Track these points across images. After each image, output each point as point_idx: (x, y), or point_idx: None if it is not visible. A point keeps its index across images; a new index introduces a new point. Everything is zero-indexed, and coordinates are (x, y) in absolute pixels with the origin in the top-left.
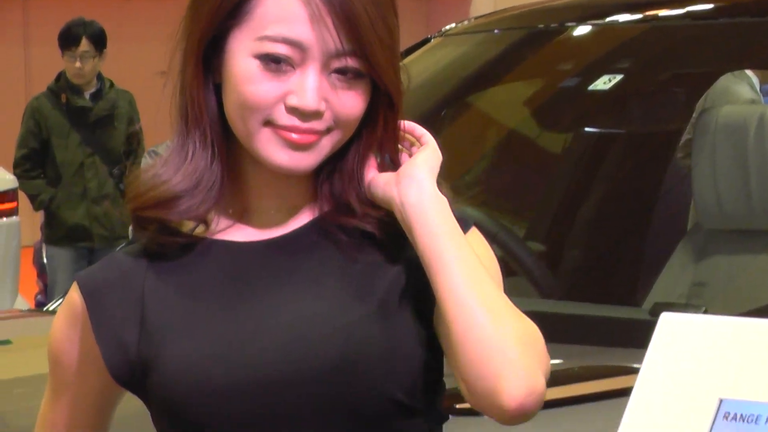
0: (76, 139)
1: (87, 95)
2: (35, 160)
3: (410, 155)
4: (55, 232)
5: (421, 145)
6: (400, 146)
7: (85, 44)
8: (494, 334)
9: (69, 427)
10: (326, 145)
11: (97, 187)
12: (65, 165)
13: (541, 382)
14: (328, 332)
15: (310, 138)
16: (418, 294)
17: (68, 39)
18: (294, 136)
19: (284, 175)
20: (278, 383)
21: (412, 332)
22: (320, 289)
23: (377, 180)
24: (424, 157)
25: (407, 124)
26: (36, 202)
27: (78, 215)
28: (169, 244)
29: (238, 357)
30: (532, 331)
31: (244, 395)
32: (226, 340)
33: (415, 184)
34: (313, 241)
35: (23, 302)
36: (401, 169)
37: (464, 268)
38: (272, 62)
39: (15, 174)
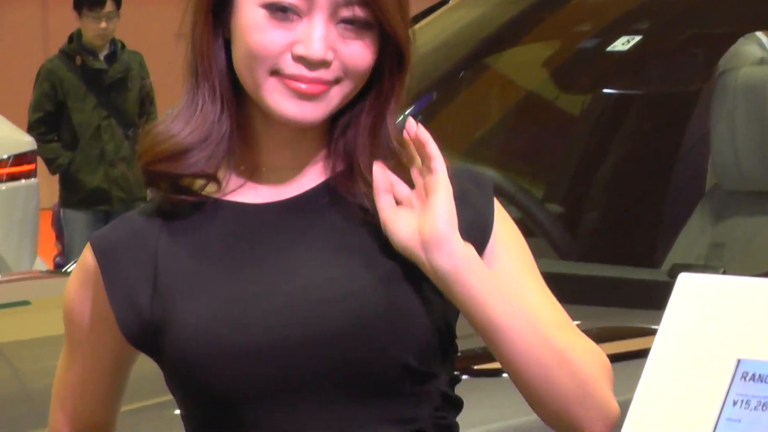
0: (92, 102)
1: (101, 57)
2: (50, 124)
3: (420, 172)
4: (74, 195)
5: (430, 170)
6: (408, 164)
7: (109, 5)
8: (569, 383)
9: (85, 387)
10: (335, 96)
11: (114, 149)
12: (82, 128)
13: (615, 407)
14: (339, 296)
15: (318, 88)
16: None
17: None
18: (302, 86)
19: (295, 131)
20: (288, 347)
21: (422, 297)
22: (331, 252)
23: (395, 228)
24: (443, 208)
25: (421, 133)
26: (54, 166)
27: (97, 178)
28: (181, 204)
29: (248, 319)
30: (596, 352)
31: (254, 358)
32: (236, 302)
33: (445, 251)
34: (324, 204)
35: (42, 264)
36: (424, 231)
37: (519, 329)
38: (279, 11)
39: (31, 136)
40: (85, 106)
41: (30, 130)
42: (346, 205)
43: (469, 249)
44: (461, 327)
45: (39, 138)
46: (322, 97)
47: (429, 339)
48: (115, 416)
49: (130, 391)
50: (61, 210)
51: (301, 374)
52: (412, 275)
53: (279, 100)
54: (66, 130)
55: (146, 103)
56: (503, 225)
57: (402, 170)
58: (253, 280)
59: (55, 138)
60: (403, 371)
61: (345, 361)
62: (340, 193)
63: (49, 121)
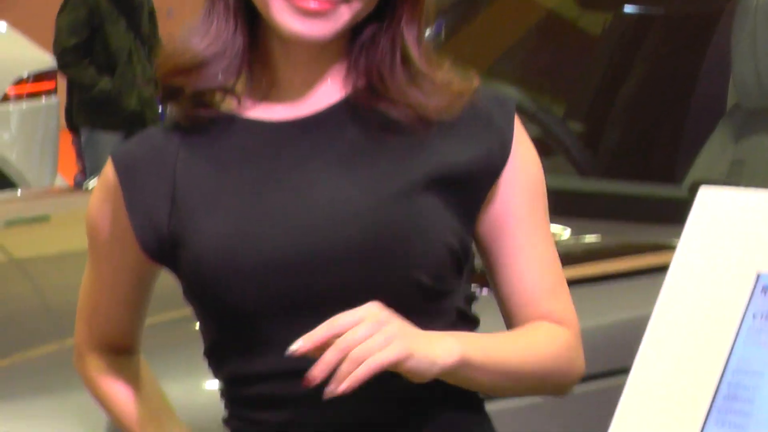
0: (123, 25)
1: None
2: (85, 49)
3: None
4: (110, 118)
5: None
6: None
7: None
8: (539, 386)
9: (108, 302)
10: (345, 14)
11: (143, 72)
12: (119, 51)
13: (577, 371)
14: (355, 213)
15: (325, 5)
16: (447, 179)
17: None
18: (310, 4)
19: (310, 49)
20: (302, 264)
21: (439, 216)
22: (349, 169)
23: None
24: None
25: (308, 344)
26: (96, 91)
27: (133, 102)
28: (199, 120)
29: (262, 236)
30: (568, 325)
31: (268, 275)
32: (252, 219)
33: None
34: (343, 121)
35: (63, 182)
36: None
37: (501, 383)
38: None
39: (66, 62)
40: (118, 29)
41: (64, 55)
42: (365, 121)
43: (456, 347)
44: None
45: (77, 63)
46: (329, 14)
47: (443, 257)
48: (139, 331)
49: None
50: (91, 132)
51: (314, 291)
52: (430, 195)
53: (286, 18)
54: (101, 54)
55: (152, 21)
56: (522, 154)
57: (437, 92)
58: (269, 197)
59: (91, 62)
60: (416, 289)
61: (357, 279)
62: (360, 109)
63: (84, 46)
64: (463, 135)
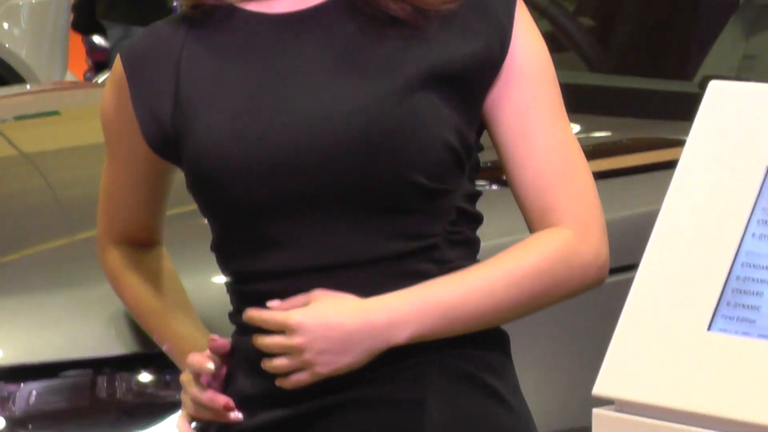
0: None
1: None
2: None
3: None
4: (129, 11)
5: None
6: None
7: None
8: (548, 287)
9: (125, 196)
10: None
11: None
12: None
13: (599, 256)
14: (350, 112)
15: None
16: (445, 74)
17: None
18: None
19: None
20: (298, 161)
21: (437, 113)
22: (346, 66)
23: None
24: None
25: (254, 317)
26: None
27: None
28: (203, 10)
29: (260, 134)
30: (586, 203)
31: (265, 171)
32: (250, 115)
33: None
34: (342, 14)
35: (72, 78)
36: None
37: (475, 303)
38: None
39: None
40: None
41: None
42: (364, 18)
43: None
44: (487, 139)
45: None
46: None
47: (440, 156)
48: (160, 224)
49: None
50: (125, 29)
51: (309, 190)
52: (427, 89)
53: None
54: None
55: None
56: (524, 44)
57: None
58: (267, 95)
59: None
60: (412, 188)
61: (351, 178)
62: (359, 5)
63: None
64: (461, 28)
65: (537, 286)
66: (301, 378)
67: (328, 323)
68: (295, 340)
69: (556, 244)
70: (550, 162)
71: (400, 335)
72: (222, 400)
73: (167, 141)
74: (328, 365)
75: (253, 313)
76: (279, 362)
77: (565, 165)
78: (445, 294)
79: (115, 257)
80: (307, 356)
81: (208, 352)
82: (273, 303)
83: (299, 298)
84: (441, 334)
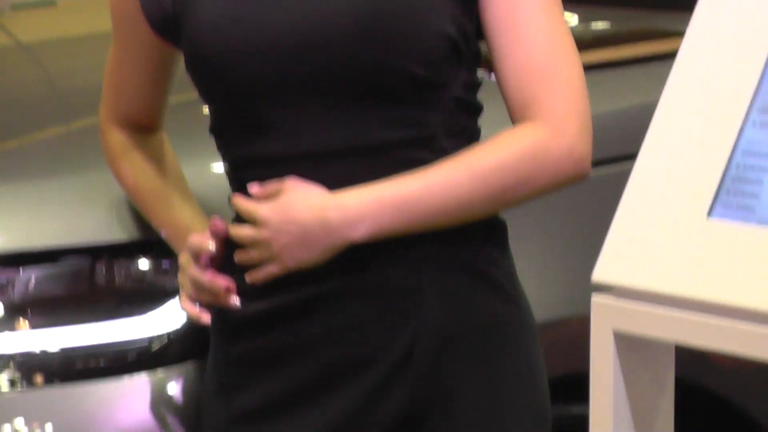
0: None
1: None
2: None
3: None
4: None
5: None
6: None
7: None
8: (516, 182)
9: (128, 78)
10: None
11: None
12: None
13: (575, 151)
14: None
15: None
16: None
17: None
18: None
19: None
20: (294, 46)
21: (435, 3)
22: None
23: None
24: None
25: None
26: None
27: None
28: None
29: (258, 18)
30: (573, 89)
31: (261, 56)
32: (249, 0)
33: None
34: None
35: None
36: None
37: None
38: None
39: None
40: None
41: None
42: None
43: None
44: None
45: None
46: None
47: (438, 46)
48: (161, 108)
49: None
50: None
51: (305, 71)
52: None
53: None
54: None
55: None
56: None
57: None
58: None
59: None
60: (408, 79)
61: (347, 66)
62: None
63: None
64: None
65: (502, 180)
66: (270, 270)
67: (288, 218)
68: (262, 233)
69: (525, 139)
70: (533, 53)
71: (357, 232)
72: (223, 281)
73: (168, 22)
74: (292, 259)
75: (237, 200)
76: (249, 254)
77: (549, 57)
78: (402, 189)
79: (116, 139)
80: (274, 249)
81: (208, 233)
82: (253, 188)
83: (274, 185)
84: (403, 230)
